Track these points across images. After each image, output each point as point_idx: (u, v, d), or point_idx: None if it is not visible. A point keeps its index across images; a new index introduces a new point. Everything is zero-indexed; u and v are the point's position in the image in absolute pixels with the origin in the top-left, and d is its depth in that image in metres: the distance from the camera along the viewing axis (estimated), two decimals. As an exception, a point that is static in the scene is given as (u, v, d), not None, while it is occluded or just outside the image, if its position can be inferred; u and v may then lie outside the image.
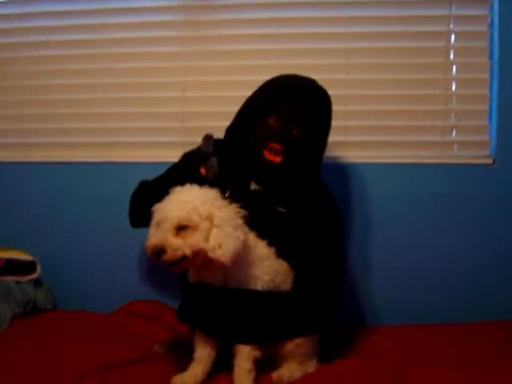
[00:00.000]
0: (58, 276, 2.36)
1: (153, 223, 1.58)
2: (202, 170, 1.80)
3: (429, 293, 2.30)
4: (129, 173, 2.33)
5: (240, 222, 1.59)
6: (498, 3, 2.27)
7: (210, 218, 1.54)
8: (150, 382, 1.59)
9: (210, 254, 1.53)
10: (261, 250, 1.68)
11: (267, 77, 1.91)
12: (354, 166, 2.33)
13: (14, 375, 1.56)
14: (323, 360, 1.73)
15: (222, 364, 1.63)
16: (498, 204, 2.29)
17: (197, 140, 1.87)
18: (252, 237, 1.68)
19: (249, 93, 1.90)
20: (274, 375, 1.62)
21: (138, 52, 2.44)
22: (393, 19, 2.35)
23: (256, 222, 1.70)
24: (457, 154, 2.35)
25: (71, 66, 2.47)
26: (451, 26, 2.32)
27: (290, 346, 1.65)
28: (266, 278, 1.64)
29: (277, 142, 1.79)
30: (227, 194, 1.66)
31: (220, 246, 1.52)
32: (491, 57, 2.31)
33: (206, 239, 1.53)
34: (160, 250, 1.49)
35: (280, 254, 1.73)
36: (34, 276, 2.23)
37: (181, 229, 1.52)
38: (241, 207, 1.62)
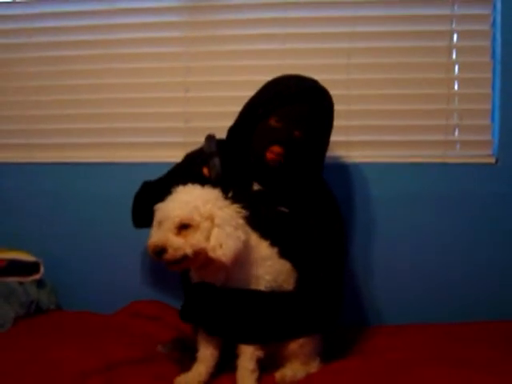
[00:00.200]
0: (61, 276, 2.36)
1: (155, 222, 1.59)
2: (205, 171, 1.80)
3: (431, 292, 2.30)
4: (131, 173, 2.34)
5: (241, 222, 1.60)
6: (500, 2, 2.27)
7: (211, 218, 1.54)
8: (153, 382, 1.59)
9: (211, 254, 1.53)
10: (263, 250, 1.68)
11: (269, 77, 1.91)
12: (357, 165, 2.33)
13: (17, 375, 1.56)
14: (326, 360, 1.73)
15: (226, 364, 1.63)
16: (500, 203, 2.29)
17: (199, 140, 1.87)
18: (254, 237, 1.68)
19: (251, 93, 1.90)
20: (277, 375, 1.62)
21: (140, 52, 2.45)
22: (395, 19, 2.35)
23: (258, 222, 1.71)
24: (459, 154, 2.34)
25: (74, 67, 2.48)
26: (453, 26, 2.32)
27: (293, 346, 1.65)
28: (268, 277, 1.64)
29: (278, 145, 1.79)
30: (230, 195, 1.66)
31: (221, 245, 1.52)
32: (493, 56, 2.31)
33: (207, 239, 1.53)
34: (161, 250, 1.50)
35: (283, 254, 1.73)
36: (37, 276, 2.23)
37: (182, 228, 1.52)
38: (242, 207, 1.62)
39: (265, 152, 1.81)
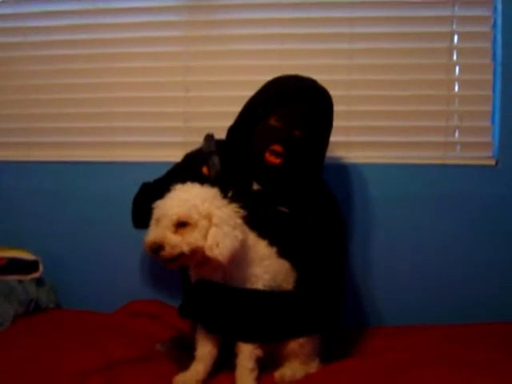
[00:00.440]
0: (61, 275, 2.36)
1: (153, 219, 1.59)
2: (204, 170, 1.80)
3: (430, 294, 2.30)
4: (131, 172, 2.35)
5: (239, 221, 1.60)
6: (501, 4, 2.27)
7: (208, 217, 1.55)
8: (152, 380, 1.59)
9: (208, 253, 1.54)
10: (261, 249, 1.68)
11: (270, 77, 1.91)
12: (357, 166, 2.33)
13: (16, 374, 1.56)
14: (325, 360, 1.73)
15: (224, 363, 1.63)
16: (500, 205, 2.29)
17: (199, 140, 1.87)
18: (252, 236, 1.68)
19: (251, 93, 1.90)
20: (277, 374, 1.62)
21: (140, 52, 2.45)
22: (396, 20, 2.35)
23: (257, 221, 1.71)
24: (459, 155, 2.34)
25: (73, 66, 2.47)
26: (454, 27, 2.32)
27: (293, 345, 1.65)
28: (267, 276, 1.65)
29: (278, 144, 1.80)
30: (230, 194, 1.66)
31: (217, 244, 1.53)
32: (494, 58, 2.31)
33: (205, 237, 1.54)
34: (158, 247, 1.51)
35: (282, 254, 1.73)
36: (36, 275, 2.23)
37: (180, 226, 1.53)
38: (241, 207, 1.62)
39: (265, 152, 1.81)
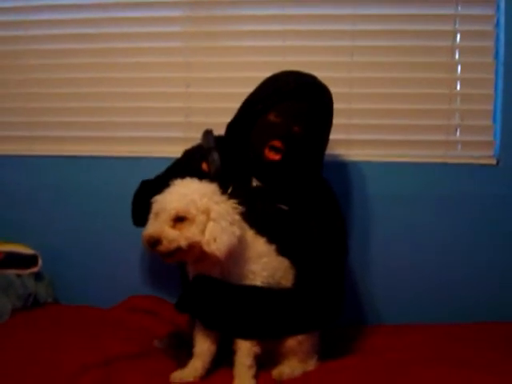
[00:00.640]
0: (59, 270, 2.36)
1: (151, 214, 1.59)
2: (204, 166, 1.80)
3: (430, 293, 2.30)
4: (132, 167, 2.36)
5: (237, 217, 1.60)
6: (504, 3, 2.26)
7: (207, 212, 1.55)
8: (150, 377, 1.59)
9: (205, 248, 1.53)
10: (260, 246, 1.68)
11: (271, 74, 1.91)
12: (357, 164, 2.33)
13: (14, 368, 1.56)
14: (323, 358, 1.72)
15: (223, 360, 1.63)
16: (500, 204, 2.28)
17: (200, 135, 1.86)
18: (251, 233, 1.68)
19: (252, 89, 1.90)
20: (274, 372, 1.62)
21: (141, 47, 2.44)
22: (398, 17, 2.34)
23: (255, 218, 1.70)
24: (460, 154, 2.34)
25: (75, 60, 2.47)
26: (457, 26, 2.31)
27: (291, 343, 1.64)
28: (265, 273, 1.64)
29: (277, 140, 1.79)
30: (229, 190, 1.66)
31: (215, 239, 1.53)
32: (496, 57, 2.30)
33: (202, 232, 1.54)
34: (156, 241, 1.50)
35: (281, 251, 1.73)
36: (35, 269, 2.23)
37: (178, 221, 1.53)
38: (239, 203, 1.62)
39: (264, 148, 1.80)
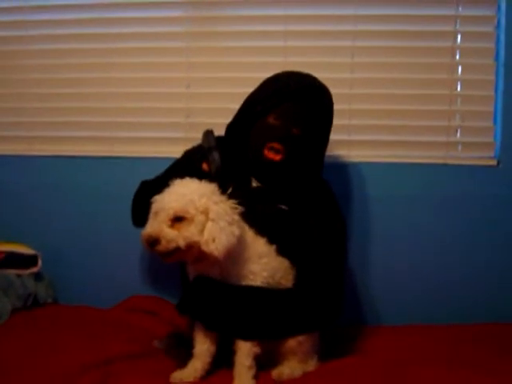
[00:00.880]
0: (59, 270, 2.36)
1: (151, 213, 1.59)
2: (204, 166, 1.80)
3: (429, 294, 2.30)
4: (132, 167, 2.36)
5: (236, 217, 1.59)
6: (505, 4, 2.26)
7: (205, 212, 1.54)
8: (150, 377, 1.59)
9: (204, 248, 1.53)
10: (259, 246, 1.67)
11: (272, 74, 1.91)
12: (357, 165, 2.33)
13: (14, 368, 1.56)
14: (323, 359, 1.73)
15: (223, 360, 1.63)
16: (501, 205, 2.28)
17: (201, 136, 1.86)
18: (251, 234, 1.68)
19: (253, 90, 1.90)
20: (274, 372, 1.61)
21: (142, 47, 2.44)
22: (399, 18, 2.34)
23: (255, 218, 1.70)
24: (461, 155, 2.34)
25: (75, 60, 2.47)
26: (458, 27, 2.31)
27: (291, 343, 1.64)
28: (265, 274, 1.64)
29: (276, 142, 1.79)
30: (229, 191, 1.65)
31: (213, 239, 1.52)
32: (497, 58, 2.30)
33: (201, 232, 1.53)
34: (154, 240, 1.50)
35: (281, 252, 1.73)
36: (34, 270, 2.23)
37: (176, 220, 1.53)
38: (239, 203, 1.61)
39: (263, 148, 1.80)
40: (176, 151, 2.04)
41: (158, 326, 2.03)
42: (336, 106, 1.89)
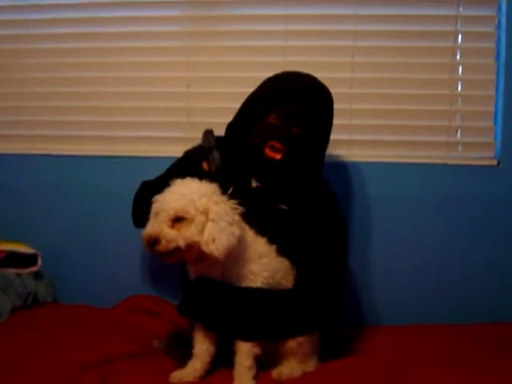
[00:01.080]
0: (59, 269, 2.36)
1: (151, 213, 1.59)
2: (205, 165, 1.80)
3: (430, 293, 2.30)
4: (132, 167, 2.36)
5: (236, 217, 1.59)
6: (505, 4, 2.25)
7: (206, 212, 1.54)
8: (149, 376, 1.59)
9: (204, 248, 1.53)
10: (260, 247, 1.67)
11: (272, 74, 1.91)
12: (358, 164, 2.33)
13: (13, 367, 1.56)
14: (323, 359, 1.72)
15: (223, 360, 1.63)
16: (501, 205, 2.28)
17: (201, 135, 1.86)
18: (251, 234, 1.67)
19: (253, 89, 1.90)
20: (274, 372, 1.61)
21: (142, 46, 2.44)
22: (399, 18, 2.34)
23: (255, 218, 1.70)
24: (461, 155, 2.34)
25: (75, 59, 2.47)
26: (458, 27, 2.30)
27: (291, 343, 1.64)
28: (265, 274, 1.64)
29: (276, 141, 1.79)
30: (230, 191, 1.65)
31: (213, 240, 1.52)
32: (498, 58, 2.30)
33: (201, 232, 1.53)
34: (154, 241, 1.50)
35: (281, 252, 1.73)
36: (34, 269, 2.23)
37: (177, 220, 1.52)
38: (239, 203, 1.61)
39: (263, 148, 1.80)
40: (176, 151, 2.04)
41: (158, 326, 2.03)
42: (336, 106, 1.89)
